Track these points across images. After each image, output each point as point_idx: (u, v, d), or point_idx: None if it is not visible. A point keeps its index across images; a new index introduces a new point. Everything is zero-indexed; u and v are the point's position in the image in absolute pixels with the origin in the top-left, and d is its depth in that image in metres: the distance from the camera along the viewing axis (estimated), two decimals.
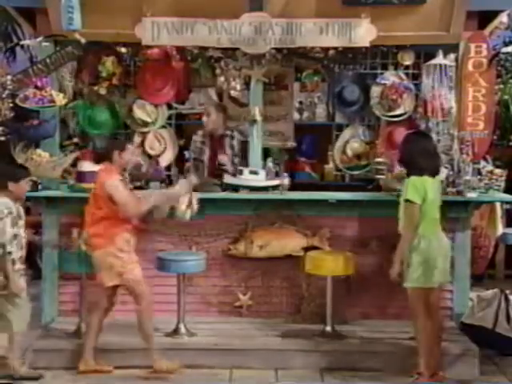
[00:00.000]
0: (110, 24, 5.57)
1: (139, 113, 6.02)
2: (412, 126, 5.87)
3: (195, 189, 5.35)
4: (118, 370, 5.11)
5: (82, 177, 5.58)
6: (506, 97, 7.87)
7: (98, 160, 5.19)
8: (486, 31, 5.79)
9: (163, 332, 5.43)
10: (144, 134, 6.12)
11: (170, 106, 6.24)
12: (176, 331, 5.45)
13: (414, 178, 4.81)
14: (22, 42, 6.24)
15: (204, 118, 5.99)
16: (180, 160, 6.38)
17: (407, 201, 4.78)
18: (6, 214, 4.83)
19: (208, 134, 6.07)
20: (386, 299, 5.70)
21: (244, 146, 5.99)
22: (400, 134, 5.81)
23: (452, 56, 5.76)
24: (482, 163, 5.76)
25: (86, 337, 5.10)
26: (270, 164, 5.89)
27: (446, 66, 5.71)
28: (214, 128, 6.00)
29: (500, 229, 6.90)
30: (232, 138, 6.03)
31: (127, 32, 5.62)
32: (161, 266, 5.39)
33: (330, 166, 6.88)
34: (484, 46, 5.74)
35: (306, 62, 6.10)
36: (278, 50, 5.72)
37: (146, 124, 6.07)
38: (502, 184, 5.78)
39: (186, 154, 6.36)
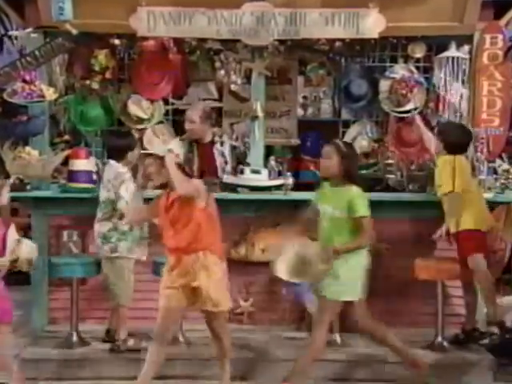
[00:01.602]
0: (103, 14, 5.48)
1: (134, 109, 5.90)
2: (423, 122, 5.74)
3: None
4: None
5: (73, 176, 5.51)
6: None
7: None
8: (502, 22, 5.71)
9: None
10: (141, 131, 6.02)
11: (166, 102, 6.18)
12: (173, 340, 5.20)
13: (359, 191, 4.45)
14: (9, 33, 6.15)
15: (187, 125, 5.69)
16: None
17: (363, 217, 4.42)
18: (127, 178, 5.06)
19: (194, 142, 5.78)
20: (396, 306, 5.60)
21: (235, 150, 5.86)
22: (410, 130, 5.84)
23: (466, 48, 5.70)
24: (498, 162, 5.70)
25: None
26: (272, 163, 5.82)
27: (459, 58, 5.67)
28: (200, 136, 5.71)
29: None
30: (222, 144, 5.80)
31: (121, 23, 5.52)
32: (158, 271, 5.20)
33: None
34: (500, 37, 5.65)
35: (311, 54, 6.03)
36: (281, 41, 5.64)
37: (141, 120, 5.96)
38: None
39: None
